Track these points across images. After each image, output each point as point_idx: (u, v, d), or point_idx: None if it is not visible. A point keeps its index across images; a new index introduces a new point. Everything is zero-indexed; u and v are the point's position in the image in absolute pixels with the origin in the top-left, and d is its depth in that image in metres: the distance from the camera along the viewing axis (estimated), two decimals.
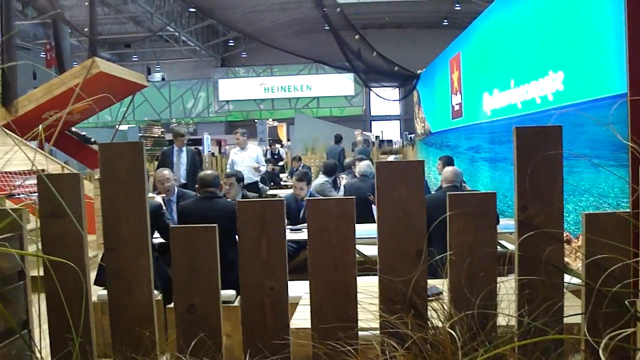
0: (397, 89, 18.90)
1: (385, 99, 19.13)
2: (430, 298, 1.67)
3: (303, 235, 4.54)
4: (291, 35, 19.30)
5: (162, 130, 21.34)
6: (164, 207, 4.34)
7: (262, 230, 1.68)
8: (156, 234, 3.97)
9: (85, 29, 12.99)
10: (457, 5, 21.08)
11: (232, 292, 3.56)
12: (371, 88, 16.98)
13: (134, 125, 22.10)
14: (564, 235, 1.73)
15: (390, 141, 23.33)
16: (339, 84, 26.70)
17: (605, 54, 3.50)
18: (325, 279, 1.68)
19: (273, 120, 26.46)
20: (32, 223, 1.77)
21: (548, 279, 1.57)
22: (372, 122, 28.79)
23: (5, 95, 8.66)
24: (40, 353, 1.55)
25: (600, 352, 1.14)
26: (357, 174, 6.22)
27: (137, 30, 22.66)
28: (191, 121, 28.02)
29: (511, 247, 4.43)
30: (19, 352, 1.55)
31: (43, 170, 2.09)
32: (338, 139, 11.72)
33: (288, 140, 22.69)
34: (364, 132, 16.43)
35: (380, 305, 1.64)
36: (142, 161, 1.69)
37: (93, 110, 9.98)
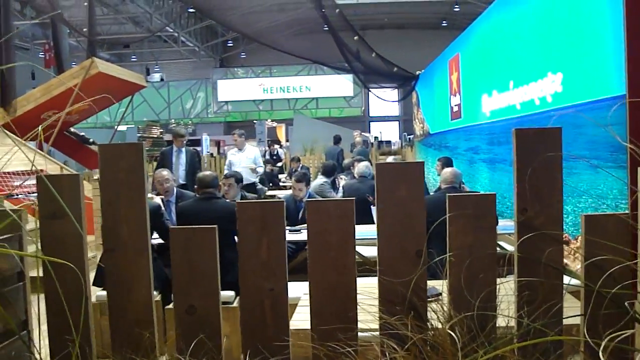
0: (396, 90, 18.91)
1: (384, 100, 19.17)
2: (429, 299, 1.67)
3: (302, 236, 4.54)
4: (290, 36, 19.32)
5: (161, 130, 21.30)
6: (162, 208, 4.34)
7: (262, 232, 1.68)
8: (154, 235, 3.97)
9: (84, 29, 12.99)
10: (456, 6, 21.12)
11: (231, 293, 3.55)
12: (370, 89, 17.01)
13: (133, 126, 22.08)
14: (563, 236, 1.73)
15: (389, 142, 23.33)
16: (337, 85, 26.74)
17: (604, 56, 3.51)
18: (325, 280, 1.68)
19: (272, 120, 26.45)
20: (30, 224, 1.77)
21: (547, 280, 1.57)
22: (371, 123, 28.81)
23: (4, 95, 8.66)
24: (40, 354, 1.55)
25: (600, 353, 1.14)
26: (356, 175, 6.23)
27: (136, 30, 22.66)
28: (190, 122, 28.02)
29: (510, 248, 4.44)
30: (19, 353, 1.54)
31: (42, 171, 2.09)
32: (337, 140, 11.73)
33: (287, 140, 22.69)
34: (362, 133, 16.44)
35: (380, 306, 1.65)
36: (142, 162, 1.69)
37: (92, 110, 9.98)
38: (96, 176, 5.80)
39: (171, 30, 22.81)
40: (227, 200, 4.48)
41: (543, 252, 1.58)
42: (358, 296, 1.68)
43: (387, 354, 1.49)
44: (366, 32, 19.96)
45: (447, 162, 5.99)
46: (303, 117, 21.77)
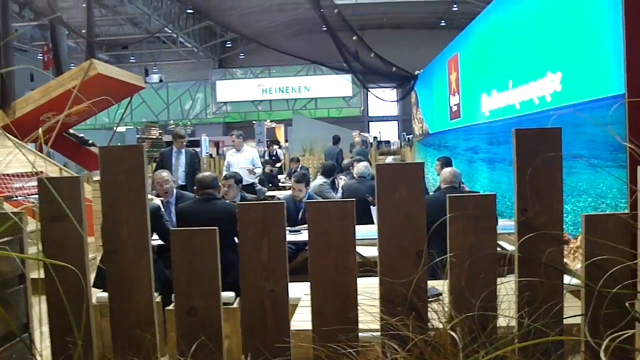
0: (395, 90, 18.92)
1: (383, 100, 19.16)
2: (429, 299, 1.67)
3: (302, 236, 4.54)
4: (289, 37, 19.30)
5: (160, 131, 21.30)
6: (162, 209, 4.34)
7: (263, 233, 1.68)
8: (154, 236, 3.96)
9: (83, 31, 12.99)
10: (455, 6, 21.13)
11: (231, 294, 3.55)
12: (369, 89, 16.99)
13: (132, 127, 22.10)
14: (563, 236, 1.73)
15: (388, 142, 23.31)
16: (336, 85, 26.73)
17: (603, 55, 3.51)
18: (326, 281, 1.68)
19: (271, 121, 26.47)
20: (31, 226, 1.77)
21: (548, 280, 1.58)
22: (370, 123, 28.81)
23: (3, 97, 8.66)
24: (41, 356, 1.55)
25: (601, 353, 1.15)
26: (355, 175, 6.23)
27: (135, 31, 22.64)
28: (189, 122, 28.02)
29: (510, 248, 4.44)
30: (20, 356, 1.55)
31: (42, 173, 2.09)
32: (336, 140, 11.73)
33: (286, 141, 22.70)
34: (362, 133, 16.46)
35: (381, 307, 1.65)
36: (142, 164, 1.69)
37: (91, 112, 9.97)
38: (96, 178, 5.80)
39: (170, 31, 22.80)
40: (227, 201, 4.48)
41: (543, 252, 1.58)
42: (359, 297, 1.68)
43: (388, 355, 1.49)
44: (365, 32, 19.95)
45: (446, 162, 5.99)
46: (302, 118, 21.77)
